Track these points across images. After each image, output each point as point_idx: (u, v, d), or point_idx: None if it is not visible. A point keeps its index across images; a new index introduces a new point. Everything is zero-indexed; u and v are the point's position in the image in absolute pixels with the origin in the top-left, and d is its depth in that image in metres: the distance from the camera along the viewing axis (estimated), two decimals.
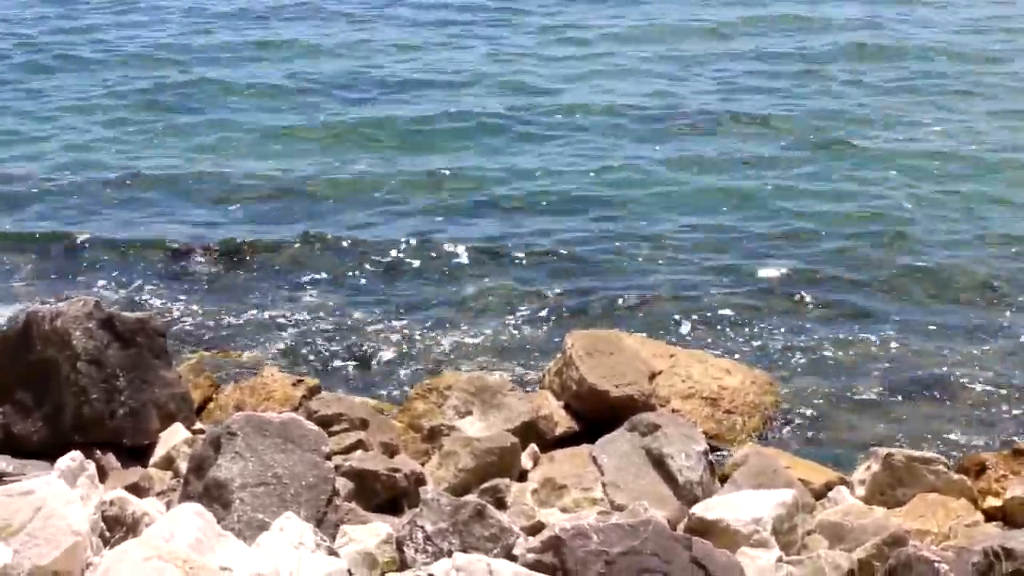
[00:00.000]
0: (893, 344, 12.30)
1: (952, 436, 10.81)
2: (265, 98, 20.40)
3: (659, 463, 9.22)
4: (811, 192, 16.19)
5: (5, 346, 9.39)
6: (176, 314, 12.89)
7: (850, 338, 12.44)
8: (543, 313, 12.97)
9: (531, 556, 6.56)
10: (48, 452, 8.57)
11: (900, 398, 11.43)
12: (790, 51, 22.62)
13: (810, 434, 10.90)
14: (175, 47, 23.26)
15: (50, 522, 6.01)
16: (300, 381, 10.72)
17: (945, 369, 11.84)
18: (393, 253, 14.43)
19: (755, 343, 12.33)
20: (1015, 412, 11.21)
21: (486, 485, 8.84)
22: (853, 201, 15.93)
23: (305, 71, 21.79)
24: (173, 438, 9.38)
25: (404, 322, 12.81)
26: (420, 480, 8.96)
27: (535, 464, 9.72)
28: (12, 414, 9.14)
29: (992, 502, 9.11)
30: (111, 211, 15.89)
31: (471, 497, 7.90)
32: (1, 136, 18.68)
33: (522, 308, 13.09)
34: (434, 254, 14.42)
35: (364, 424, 9.72)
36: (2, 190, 16.65)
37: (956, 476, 9.20)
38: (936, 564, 6.68)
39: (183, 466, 8.55)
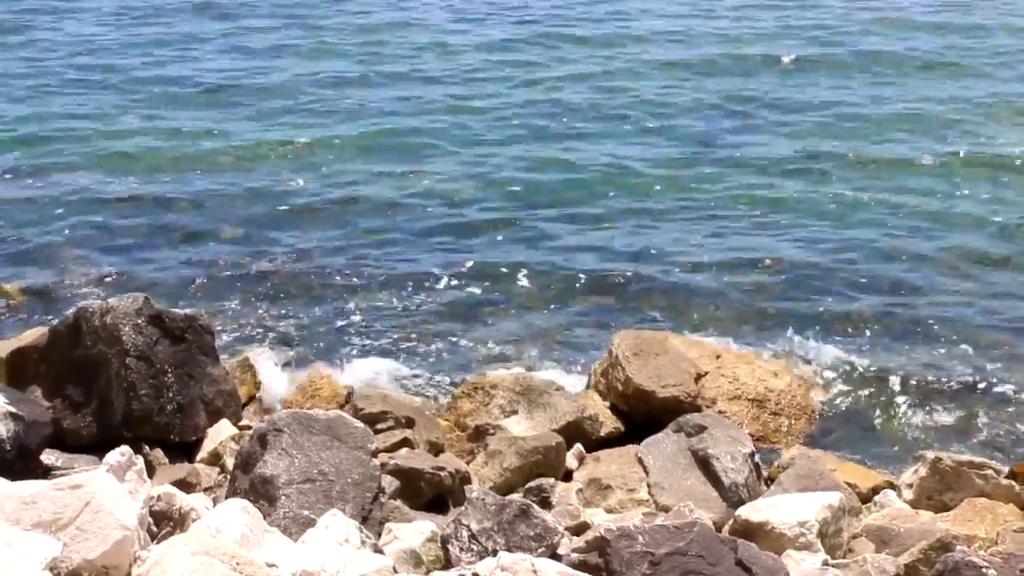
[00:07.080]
0: (943, 350, 12.20)
1: (1002, 441, 10.73)
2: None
3: (705, 464, 9.21)
4: (856, 200, 16.05)
5: (56, 342, 9.48)
6: (224, 311, 12.94)
7: (899, 343, 12.35)
8: (591, 313, 12.95)
9: (576, 556, 6.55)
10: (97, 447, 8.69)
11: (949, 403, 11.34)
12: None
13: (857, 437, 10.84)
14: None
15: (99, 516, 6.04)
16: None
17: (995, 375, 11.74)
18: (439, 256, 14.43)
19: (803, 345, 12.25)
20: None
21: (531, 484, 8.85)
22: (911, 209, 15.74)
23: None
24: (220, 434, 9.46)
25: (451, 322, 12.80)
26: (465, 479, 8.99)
27: (580, 464, 9.72)
28: (62, 409, 9.22)
29: None
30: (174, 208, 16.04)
31: (516, 496, 7.91)
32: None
33: (570, 308, 13.07)
34: (481, 255, 14.40)
35: (410, 422, 9.75)
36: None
37: (1005, 481, 9.15)
38: (984, 569, 6.62)
39: (230, 462, 8.61)
